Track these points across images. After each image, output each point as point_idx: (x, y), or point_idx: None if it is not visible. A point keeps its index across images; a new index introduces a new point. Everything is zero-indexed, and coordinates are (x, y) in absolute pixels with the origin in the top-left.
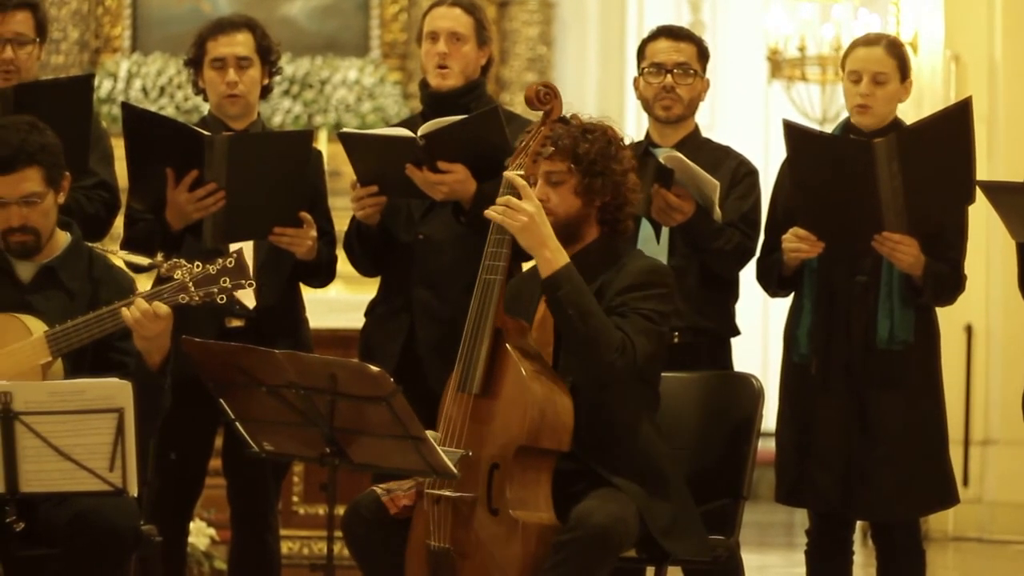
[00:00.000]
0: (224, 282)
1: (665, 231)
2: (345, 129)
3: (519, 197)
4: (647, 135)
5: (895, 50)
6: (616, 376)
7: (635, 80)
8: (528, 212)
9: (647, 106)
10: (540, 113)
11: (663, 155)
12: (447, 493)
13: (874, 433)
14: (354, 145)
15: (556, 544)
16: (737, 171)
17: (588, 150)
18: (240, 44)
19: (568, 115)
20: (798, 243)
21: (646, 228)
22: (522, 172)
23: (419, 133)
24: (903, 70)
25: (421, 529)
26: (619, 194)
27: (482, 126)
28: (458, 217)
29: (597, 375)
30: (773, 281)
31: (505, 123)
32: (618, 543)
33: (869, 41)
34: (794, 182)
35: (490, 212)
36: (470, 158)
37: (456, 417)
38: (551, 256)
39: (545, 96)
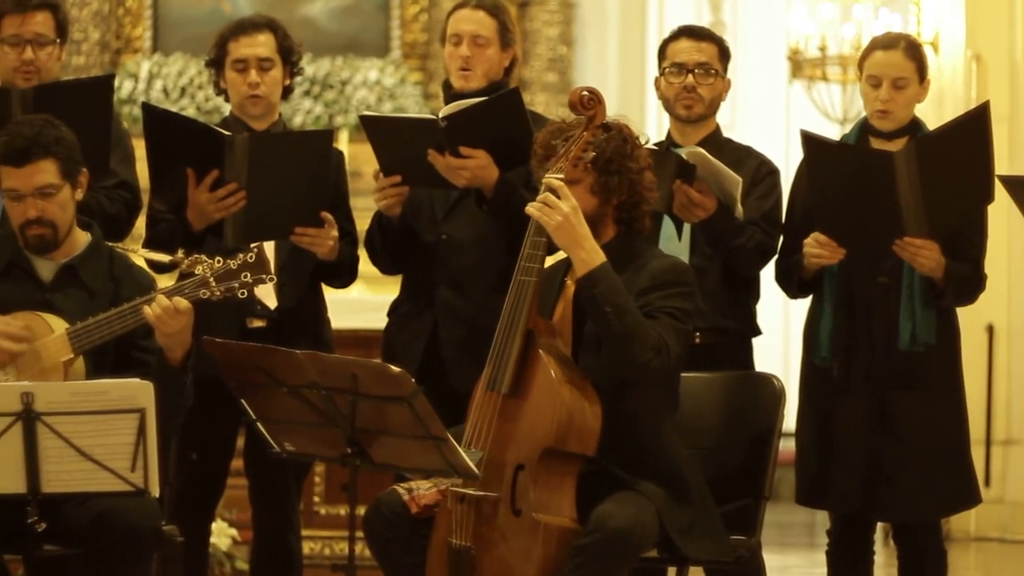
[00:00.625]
0: (245, 277)
1: (687, 230)
2: (366, 112)
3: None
4: (668, 135)
5: (913, 52)
6: (651, 376)
7: (656, 80)
8: (564, 211)
9: (668, 106)
10: (563, 112)
11: (685, 151)
12: (471, 492)
13: (896, 434)
14: (376, 128)
15: (575, 547)
16: (758, 171)
17: (604, 148)
18: (262, 45)
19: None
20: (819, 249)
21: (668, 227)
22: (562, 176)
23: (440, 115)
24: (921, 72)
25: (444, 527)
26: (635, 192)
27: (503, 107)
28: (480, 205)
29: (632, 374)
30: (793, 284)
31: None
32: (637, 546)
33: (887, 44)
34: (813, 190)
35: (529, 208)
36: (492, 143)
37: (484, 416)
38: (587, 255)
39: (589, 101)
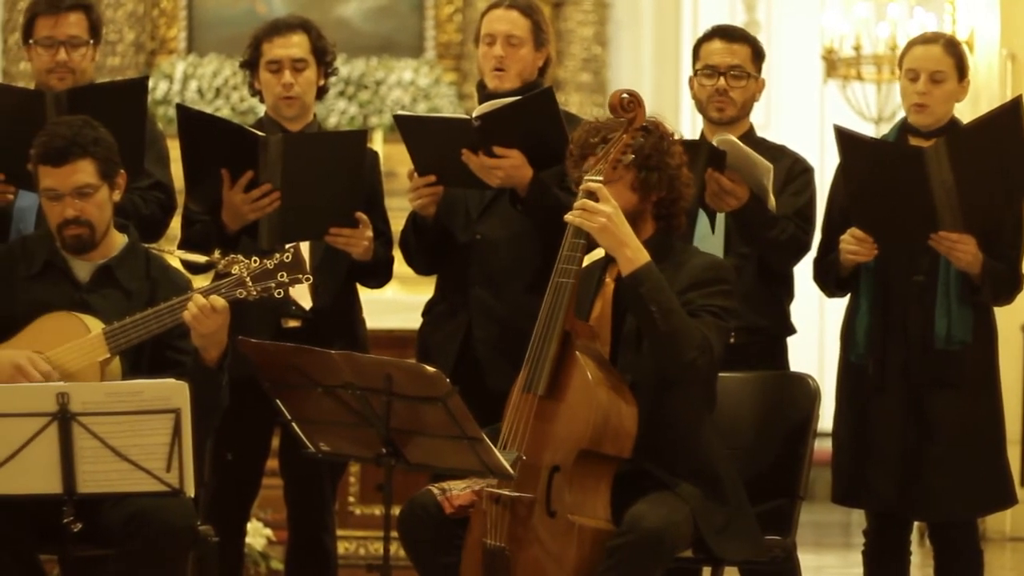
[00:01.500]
0: (281, 276)
1: (720, 227)
2: (400, 112)
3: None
4: (701, 135)
5: (953, 49)
6: (696, 375)
7: (690, 80)
8: (606, 212)
9: (701, 107)
10: (597, 112)
11: (716, 139)
12: (507, 492)
13: (931, 433)
14: (410, 128)
15: (609, 548)
16: (792, 168)
17: (643, 145)
18: (295, 46)
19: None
20: (855, 246)
21: (702, 226)
22: (601, 178)
23: (474, 114)
24: (961, 69)
25: (478, 528)
26: (673, 188)
27: (536, 107)
28: (515, 205)
29: (677, 373)
30: (831, 282)
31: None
32: (671, 547)
33: (927, 40)
34: (848, 186)
35: (569, 216)
36: (525, 143)
37: (520, 417)
38: (632, 255)
39: (629, 104)
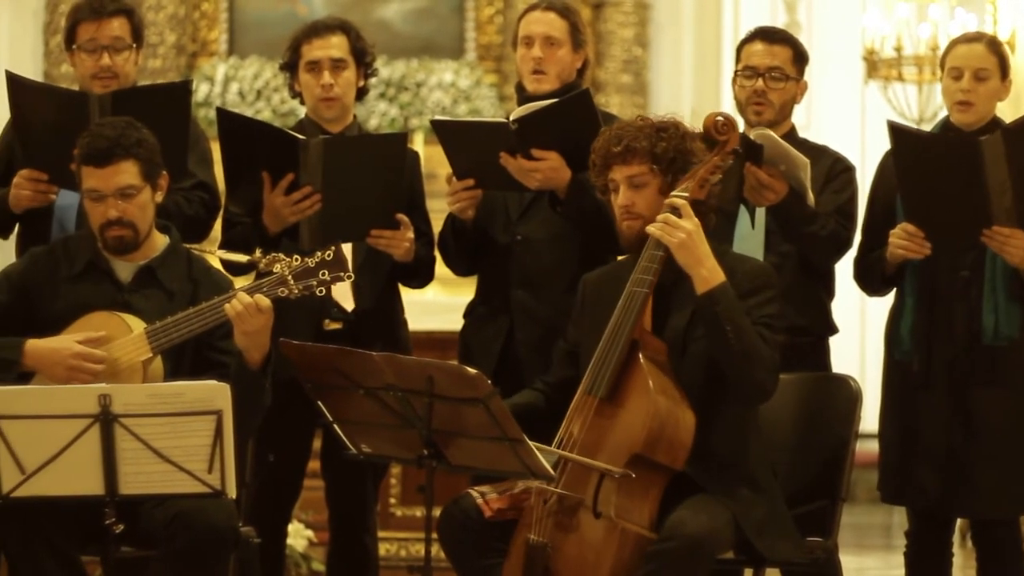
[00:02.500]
0: (323, 275)
1: (760, 226)
2: (438, 117)
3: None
4: (742, 136)
5: (996, 48)
6: (764, 397)
7: (733, 80)
8: (687, 229)
9: (740, 108)
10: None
11: (754, 132)
12: (557, 491)
13: (977, 430)
14: (448, 133)
15: (648, 553)
16: (833, 167)
17: (666, 148)
18: (334, 46)
19: (636, 116)
20: (907, 241)
21: (742, 226)
22: (687, 195)
23: (511, 118)
24: (1003, 68)
25: (526, 524)
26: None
27: (573, 109)
28: (554, 207)
29: (748, 394)
30: (876, 279)
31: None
32: (710, 553)
33: (969, 39)
34: (900, 182)
35: (650, 228)
36: (564, 145)
37: (579, 418)
38: (707, 274)
39: (723, 127)
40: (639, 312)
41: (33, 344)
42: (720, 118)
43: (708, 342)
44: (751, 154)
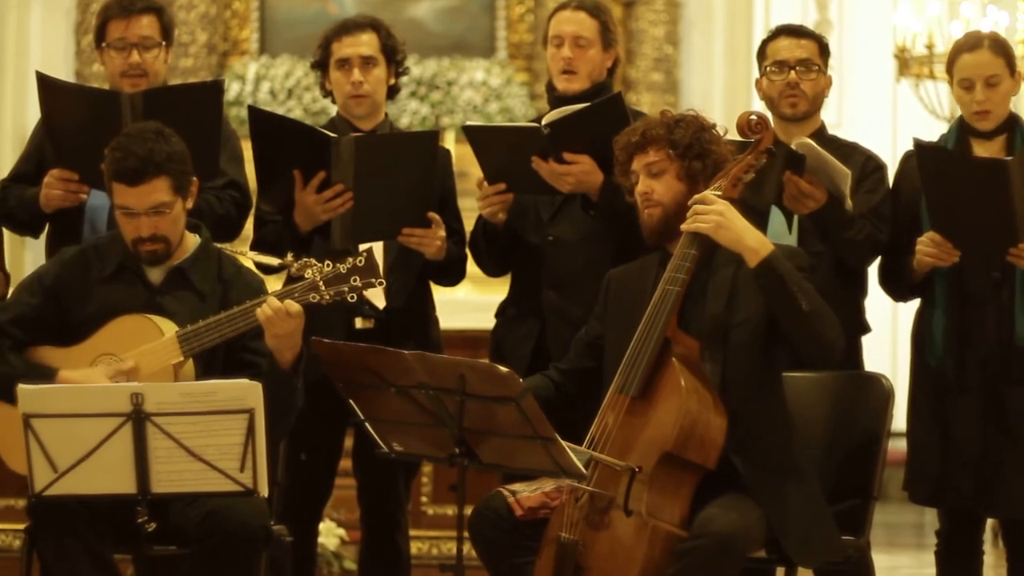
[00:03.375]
0: (354, 281)
1: (795, 227)
2: (470, 122)
3: None
4: (784, 147)
5: (999, 48)
6: (836, 356)
7: (757, 81)
8: (717, 210)
9: (772, 105)
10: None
11: (795, 142)
12: (589, 489)
13: (1010, 431)
14: (479, 138)
15: (678, 551)
16: (865, 166)
17: (683, 135)
18: (364, 44)
19: (661, 110)
20: (935, 249)
21: (774, 224)
22: (719, 193)
23: (543, 122)
24: (1011, 66)
25: (557, 522)
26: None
27: (605, 112)
28: (587, 210)
29: (821, 354)
30: (903, 287)
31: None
32: (741, 551)
33: (972, 45)
34: (927, 197)
35: (684, 226)
36: (596, 148)
37: (610, 416)
38: (755, 244)
39: (757, 125)
40: (672, 310)
41: (66, 375)
42: (753, 117)
43: (775, 309)
44: (793, 163)
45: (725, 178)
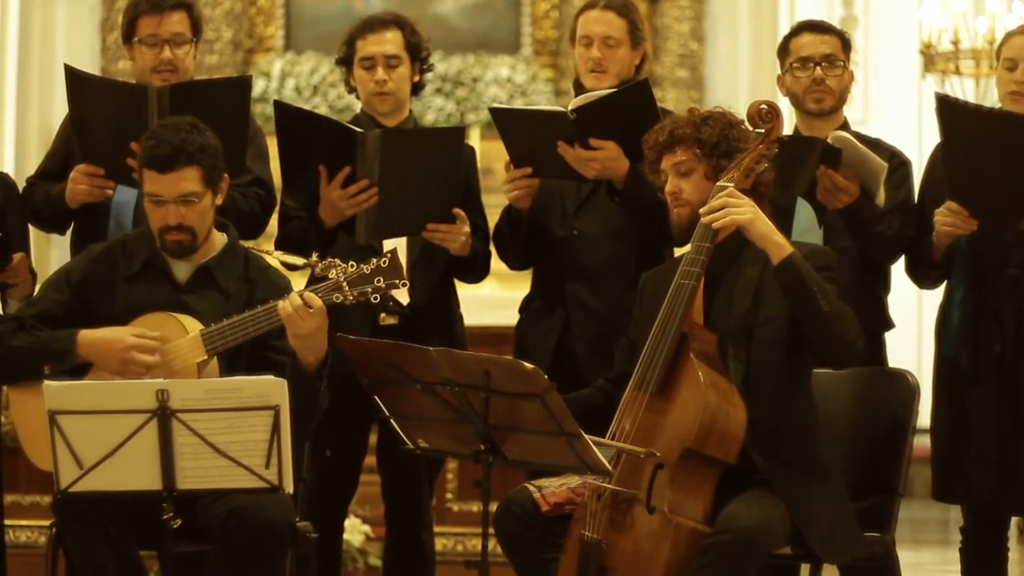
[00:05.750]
0: (378, 282)
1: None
2: (496, 105)
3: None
4: (795, 130)
5: None
6: (856, 356)
7: (779, 78)
8: (750, 203)
9: (796, 101)
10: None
11: (831, 136)
12: (610, 487)
13: None
14: (506, 121)
15: (702, 547)
16: (890, 162)
17: (710, 134)
18: (389, 42)
19: (689, 108)
20: (952, 218)
21: (800, 219)
22: (731, 185)
23: (570, 107)
24: None
25: (580, 520)
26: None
27: (632, 99)
28: (612, 197)
29: (841, 354)
30: (923, 266)
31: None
32: (765, 546)
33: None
34: (945, 158)
35: (708, 217)
36: (622, 135)
37: (630, 413)
38: (781, 241)
39: (767, 115)
40: (687, 305)
41: (86, 335)
42: (764, 106)
43: (795, 307)
44: (829, 158)
45: (737, 169)
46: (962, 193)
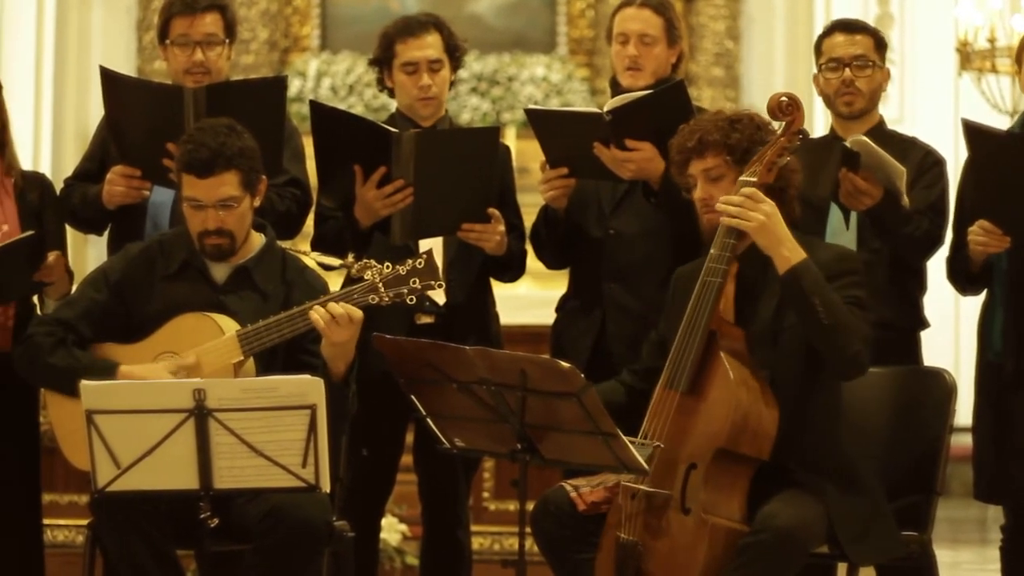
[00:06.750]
0: (414, 283)
1: (853, 223)
2: (532, 106)
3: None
4: (831, 130)
5: None
6: (861, 369)
7: (814, 77)
8: (764, 211)
9: (829, 102)
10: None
11: (849, 140)
12: (643, 488)
13: None
14: (542, 122)
15: (740, 546)
16: (924, 161)
17: (740, 139)
18: (430, 46)
19: (715, 110)
20: (984, 237)
21: (833, 221)
22: (755, 180)
23: (605, 108)
24: None
25: (615, 522)
26: (781, 176)
27: (668, 100)
28: (648, 198)
29: (844, 368)
30: (962, 278)
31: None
32: (802, 546)
33: None
34: (975, 181)
35: (724, 217)
36: (658, 136)
37: (661, 413)
38: (788, 253)
39: (788, 107)
40: (714, 302)
41: (126, 370)
42: (784, 98)
43: (798, 319)
44: (848, 161)
45: (760, 163)
46: (992, 215)
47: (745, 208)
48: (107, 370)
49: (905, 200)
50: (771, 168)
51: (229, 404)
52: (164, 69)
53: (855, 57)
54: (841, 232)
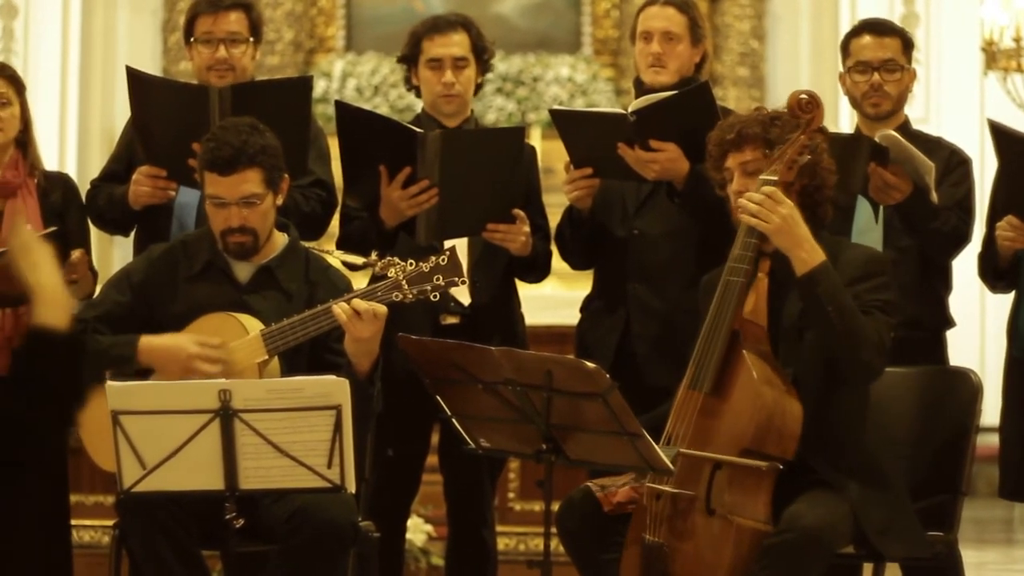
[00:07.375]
0: (437, 280)
1: (880, 221)
2: (556, 107)
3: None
4: (857, 129)
5: None
6: (871, 376)
7: (841, 76)
8: (782, 213)
9: (855, 103)
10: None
11: (878, 135)
12: (668, 489)
13: None
14: (566, 123)
15: (765, 546)
16: (950, 160)
17: (779, 135)
18: (457, 44)
19: (753, 108)
20: (1013, 232)
21: (860, 219)
22: (776, 178)
23: (630, 109)
24: None
25: (639, 523)
26: (816, 175)
27: (692, 101)
28: (672, 198)
29: (854, 374)
30: (990, 273)
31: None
32: (828, 546)
33: None
34: (1002, 179)
35: (744, 216)
36: (682, 137)
37: (685, 414)
38: (807, 255)
39: (807, 105)
40: (737, 302)
41: (148, 341)
42: (804, 96)
43: (811, 323)
44: (877, 156)
45: (780, 162)
46: (1021, 210)
47: (764, 208)
48: (128, 344)
49: (933, 195)
50: (791, 166)
51: (255, 405)
52: (189, 70)
53: (884, 61)
54: (868, 229)
